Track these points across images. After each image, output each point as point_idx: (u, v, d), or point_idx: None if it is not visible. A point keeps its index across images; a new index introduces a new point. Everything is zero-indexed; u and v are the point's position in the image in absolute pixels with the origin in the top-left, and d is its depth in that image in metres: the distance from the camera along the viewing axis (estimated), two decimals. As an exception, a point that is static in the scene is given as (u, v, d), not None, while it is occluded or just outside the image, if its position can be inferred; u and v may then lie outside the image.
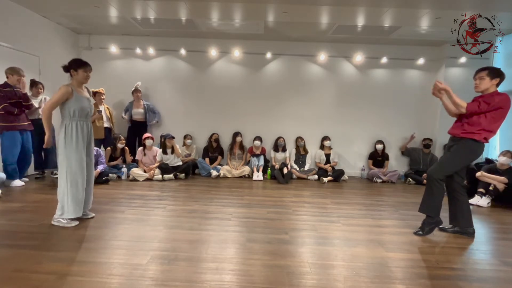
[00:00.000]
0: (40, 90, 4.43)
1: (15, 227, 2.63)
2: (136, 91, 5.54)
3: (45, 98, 4.45)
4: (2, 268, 1.93)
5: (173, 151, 5.14)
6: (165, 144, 5.11)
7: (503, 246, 2.66)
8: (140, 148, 5.09)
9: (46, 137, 2.69)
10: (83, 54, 5.84)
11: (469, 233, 2.78)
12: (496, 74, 2.59)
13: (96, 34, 5.83)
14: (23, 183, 4.13)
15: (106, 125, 5.26)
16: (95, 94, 5.13)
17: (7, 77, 3.91)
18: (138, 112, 5.57)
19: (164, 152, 5.10)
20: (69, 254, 2.15)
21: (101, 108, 5.18)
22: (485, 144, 2.64)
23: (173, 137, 5.11)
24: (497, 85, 2.62)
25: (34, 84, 4.41)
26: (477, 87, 2.65)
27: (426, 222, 2.78)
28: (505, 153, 4.16)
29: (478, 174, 4.22)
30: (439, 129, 5.65)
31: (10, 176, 3.99)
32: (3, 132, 3.87)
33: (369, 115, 5.97)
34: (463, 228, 2.80)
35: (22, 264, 1.99)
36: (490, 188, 4.05)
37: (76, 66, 2.71)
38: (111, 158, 5.07)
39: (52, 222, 2.71)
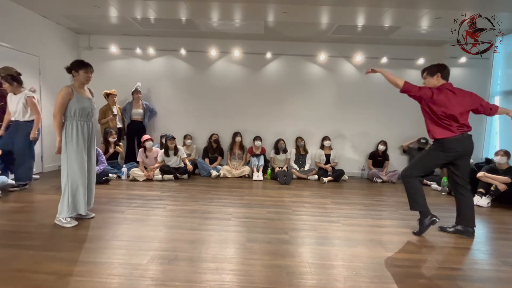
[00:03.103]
0: (5, 85, 3.63)
1: (15, 227, 2.63)
2: (136, 92, 5.56)
3: (27, 97, 3.75)
4: (2, 268, 1.93)
5: (175, 153, 5.11)
6: (167, 145, 5.07)
7: (503, 246, 2.66)
8: (141, 150, 5.05)
9: (57, 143, 2.71)
10: (83, 54, 5.84)
11: (469, 233, 2.78)
12: (435, 70, 2.74)
13: (96, 34, 5.83)
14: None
15: (119, 125, 5.37)
16: (108, 95, 5.28)
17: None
18: (137, 113, 5.60)
19: (166, 154, 5.06)
20: (69, 254, 2.15)
21: (114, 108, 5.23)
22: (449, 138, 2.67)
23: (174, 138, 5.06)
24: (443, 77, 2.69)
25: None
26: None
27: (421, 219, 2.80)
28: (498, 152, 4.17)
29: (479, 174, 4.21)
30: (439, 129, 5.63)
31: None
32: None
33: (369, 115, 5.97)
34: (463, 227, 2.80)
35: (22, 264, 1.99)
36: (492, 188, 4.05)
37: (77, 67, 2.75)
38: (108, 152, 5.03)
39: (55, 221, 2.74)
